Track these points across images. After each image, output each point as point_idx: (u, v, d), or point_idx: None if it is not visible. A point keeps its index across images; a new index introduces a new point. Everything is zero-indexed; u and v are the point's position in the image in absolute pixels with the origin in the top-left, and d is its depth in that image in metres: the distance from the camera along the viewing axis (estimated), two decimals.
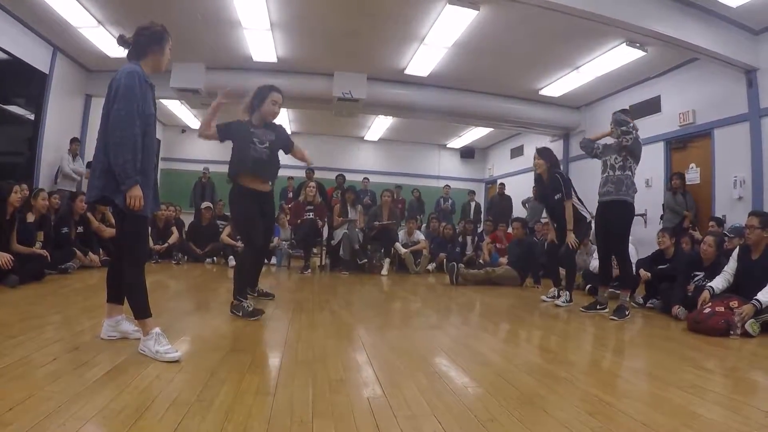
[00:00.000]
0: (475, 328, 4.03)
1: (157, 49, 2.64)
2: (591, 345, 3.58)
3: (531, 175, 11.87)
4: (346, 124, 13.02)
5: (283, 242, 8.43)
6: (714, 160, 7.31)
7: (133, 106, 2.43)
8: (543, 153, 5.42)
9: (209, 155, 13.42)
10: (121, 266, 2.60)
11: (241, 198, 3.88)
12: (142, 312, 2.52)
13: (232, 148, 3.89)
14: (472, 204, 12.33)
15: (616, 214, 4.63)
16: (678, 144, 8.15)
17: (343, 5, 6.78)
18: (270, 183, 4.08)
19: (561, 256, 5.36)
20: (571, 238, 5.09)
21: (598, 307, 4.83)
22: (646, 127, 8.48)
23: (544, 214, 7.53)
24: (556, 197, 5.18)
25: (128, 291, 2.59)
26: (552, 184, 5.23)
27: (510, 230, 8.40)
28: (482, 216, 12.58)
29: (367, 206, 9.46)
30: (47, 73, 8.11)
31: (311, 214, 7.72)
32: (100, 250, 6.42)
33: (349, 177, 12.00)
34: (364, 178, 12.22)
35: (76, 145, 8.47)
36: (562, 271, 5.43)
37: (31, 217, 5.27)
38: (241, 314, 3.62)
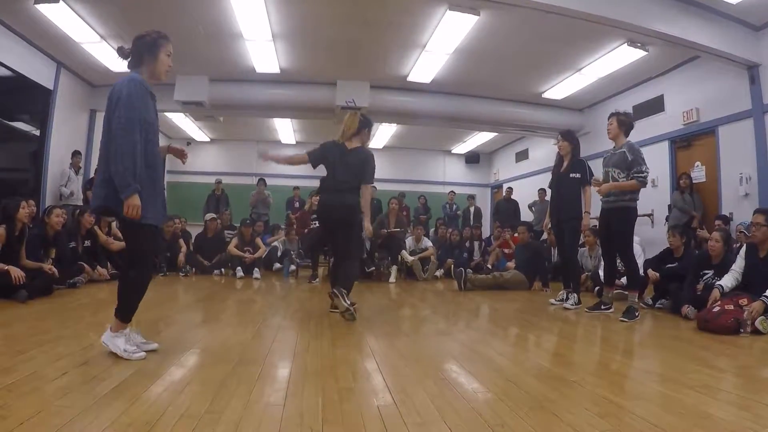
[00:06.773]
0: (484, 333, 4.02)
1: (151, 56, 2.65)
2: (600, 347, 3.56)
3: (537, 179, 11.90)
4: None
5: (291, 252, 8.44)
6: (719, 158, 7.29)
7: (133, 114, 2.44)
8: (567, 135, 5.43)
9: (216, 167, 13.52)
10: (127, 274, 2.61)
11: None
12: (125, 314, 2.54)
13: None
14: (472, 209, 12.32)
15: (619, 218, 4.65)
16: (682, 143, 8.13)
17: (344, 14, 6.81)
18: None
19: (563, 257, 5.40)
20: (586, 220, 5.12)
21: (602, 307, 4.84)
22: (650, 126, 8.49)
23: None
24: (572, 175, 5.19)
25: (124, 288, 2.59)
26: (574, 166, 5.24)
27: (516, 234, 8.38)
28: (482, 220, 12.55)
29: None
30: (51, 89, 8.20)
31: (318, 223, 7.71)
32: (108, 264, 6.44)
33: None
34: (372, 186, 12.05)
35: (78, 159, 8.50)
36: None
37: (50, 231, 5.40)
38: (338, 310, 4.06)
